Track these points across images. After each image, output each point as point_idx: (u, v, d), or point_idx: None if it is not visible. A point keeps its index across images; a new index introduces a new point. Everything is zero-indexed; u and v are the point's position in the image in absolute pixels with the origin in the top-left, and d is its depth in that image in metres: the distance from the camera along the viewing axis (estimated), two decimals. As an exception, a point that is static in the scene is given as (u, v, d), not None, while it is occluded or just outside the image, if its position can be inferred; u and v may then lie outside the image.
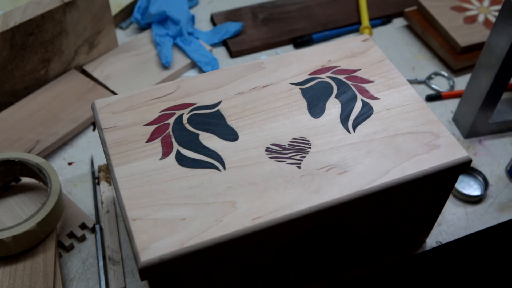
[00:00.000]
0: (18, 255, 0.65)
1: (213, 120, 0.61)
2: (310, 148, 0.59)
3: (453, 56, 0.96)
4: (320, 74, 0.67)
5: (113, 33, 0.95)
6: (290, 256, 0.60)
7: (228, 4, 1.11)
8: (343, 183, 0.55)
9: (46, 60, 0.86)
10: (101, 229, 0.72)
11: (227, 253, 0.53)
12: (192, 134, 0.60)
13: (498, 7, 1.03)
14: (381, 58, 0.70)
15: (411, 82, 0.95)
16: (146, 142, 0.59)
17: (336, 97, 0.65)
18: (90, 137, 0.85)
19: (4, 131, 0.81)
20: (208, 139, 0.60)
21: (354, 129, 0.61)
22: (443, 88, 0.95)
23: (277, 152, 0.58)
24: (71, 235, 0.71)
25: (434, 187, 0.62)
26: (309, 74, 0.67)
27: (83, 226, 0.72)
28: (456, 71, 0.98)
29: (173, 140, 0.59)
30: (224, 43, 1.01)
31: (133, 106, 0.62)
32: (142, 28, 1.03)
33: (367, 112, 0.63)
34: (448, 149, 0.59)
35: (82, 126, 0.85)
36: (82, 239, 0.71)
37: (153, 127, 0.60)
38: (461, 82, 0.96)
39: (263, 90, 0.65)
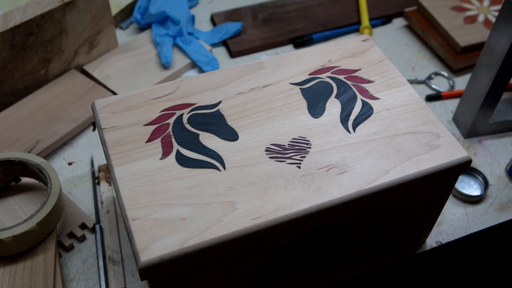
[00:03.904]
0: (18, 255, 0.65)
1: (213, 120, 0.61)
2: (310, 148, 0.59)
3: (453, 56, 0.96)
4: (320, 74, 0.67)
5: (113, 33, 0.95)
6: (290, 256, 0.60)
7: (228, 4, 1.11)
8: (343, 183, 0.55)
9: (46, 60, 0.86)
10: (101, 229, 0.72)
11: (227, 253, 0.53)
12: (192, 134, 0.60)
13: (498, 7, 1.03)
14: (381, 58, 0.70)
15: (411, 82, 0.95)
16: (146, 142, 0.59)
17: (336, 97, 0.65)
18: (90, 137, 0.85)
19: (4, 131, 0.81)
20: (208, 139, 0.60)
21: (354, 129, 0.61)
22: (443, 88, 0.95)
23: (277, 152, 0.58)
24: (71, 235, 0.71)
25: (434, 187, 0.62)
26: (309, 74, 0.67)
27: (83, 226, 0.72)
28: (456, 71, 0.98)
29: (173, 140, 0.59)
30: (224, 43, 1.02)
31: (133, 106, 0.63)
32: (142, 28, 1.03)
33: (367, 112, 0.63)
34: (448, 149, 0.59)
35: (82, 126, 0.85)
36: (82, 239, 0.71)
37: (153, 127, 0.60)
38: (461, 82, 0.96)
39: (263, 90, 0.65)
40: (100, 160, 0.81)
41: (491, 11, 1.02)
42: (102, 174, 0.78)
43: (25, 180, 0.75)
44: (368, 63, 0.69)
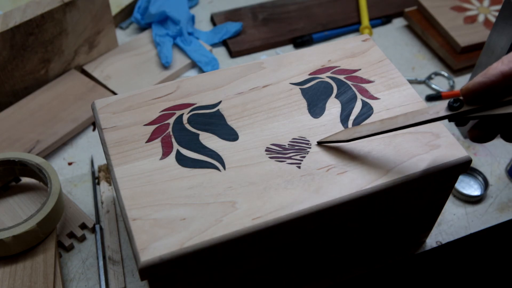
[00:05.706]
0: (18, 255, 0.65)
1: (213, 120, 0.61)
2: (310, 148, 0.59)
3: (453, 56, 0.96)
4: (320, 74, 0.67)
5: (113, 33, 0.95)
6: (290, 256, 0.60)
7: (228, 4, 1.11)
8: (343, 183, 0.55)
9: (46, 60, 0.86)
10: (101, 229, 0.72)
11: (227, 253, 0.53)
12: (192, 134, 0.60)
13: (498, 7, 1.03)
14: (381, 58, 0.70)
15: (411, 82, 0.95)
16: (146, 142, 0.59)
17: (336, 97, 0.65)
18: (90, 137, 0.85)
19: (4, 131, 0.81)
20: (208, 139, 0.60)
21: (354, 129, 0.61)
22: (443, 88, 0.95)
23: (277, 152, 0.58)
24: (71, 235, 0.71)
25: (434, 187, 0.62)
26: (309, 74, 0.67)
27: (83, 226, 0.72)
28: (456, 71, 0.98)
29: (173, 140, 0.59)
30: (224, 43, 1.02)
31: (133, 106, 0.63)
32: (142, 28, 1.03)
33: (367, 112, 0.63)
34: (448, 149, 0.59)
35: (82, 126, 0.85)
36: (82, 239, 0.71)
37: (153, 127, 0.60)
38: (461, 82, 0.96)
39: (263, 90, 0.65)
40: (100, 160, 0.81)
41: (491, 11, 1.02)
42: (102, 174, 0.78)
43: (25, 180, 0.75)
44: (368, 63, 0.69)
